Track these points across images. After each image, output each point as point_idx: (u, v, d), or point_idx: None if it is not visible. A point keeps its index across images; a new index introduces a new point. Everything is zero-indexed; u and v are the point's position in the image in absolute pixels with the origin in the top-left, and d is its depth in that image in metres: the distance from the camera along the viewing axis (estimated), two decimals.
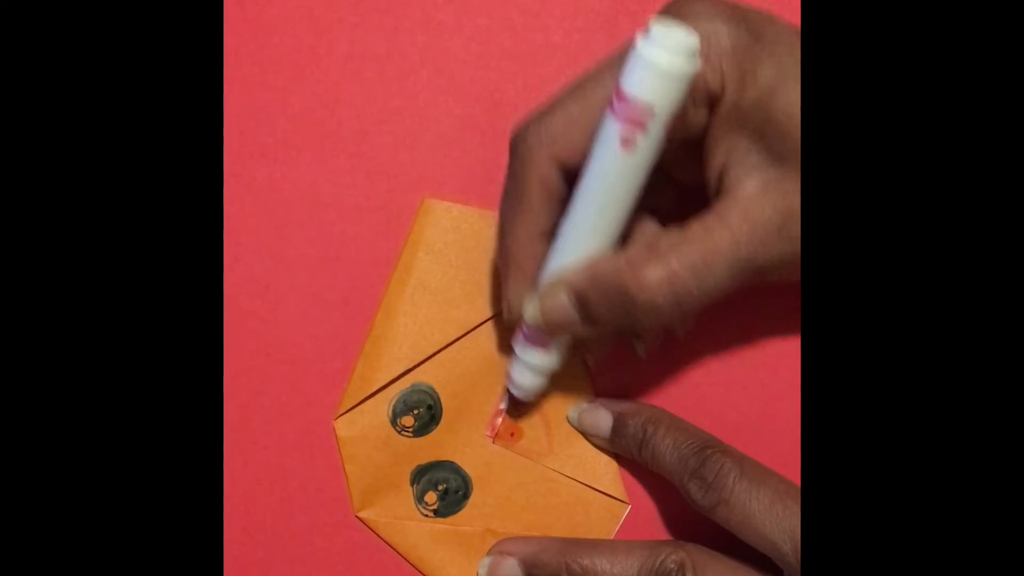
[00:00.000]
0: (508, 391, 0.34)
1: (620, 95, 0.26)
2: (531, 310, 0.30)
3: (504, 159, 0.35)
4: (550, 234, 0.30)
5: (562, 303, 0.30)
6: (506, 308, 0.32)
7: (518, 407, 0.35)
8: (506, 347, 0.35)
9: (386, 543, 0.35)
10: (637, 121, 0.26)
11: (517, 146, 0.29)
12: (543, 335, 0.31)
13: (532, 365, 0.32)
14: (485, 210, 0.35)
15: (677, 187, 0.32)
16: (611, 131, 0.27)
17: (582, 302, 0.29)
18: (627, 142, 0.26)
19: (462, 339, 0.35)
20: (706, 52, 0.27)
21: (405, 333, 0.35)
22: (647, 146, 0.27)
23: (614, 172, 0.27)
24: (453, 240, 0.35)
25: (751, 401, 0.35)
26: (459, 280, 0.35)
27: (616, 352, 0.35)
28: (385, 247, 0.35)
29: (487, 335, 0.35)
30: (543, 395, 0.35)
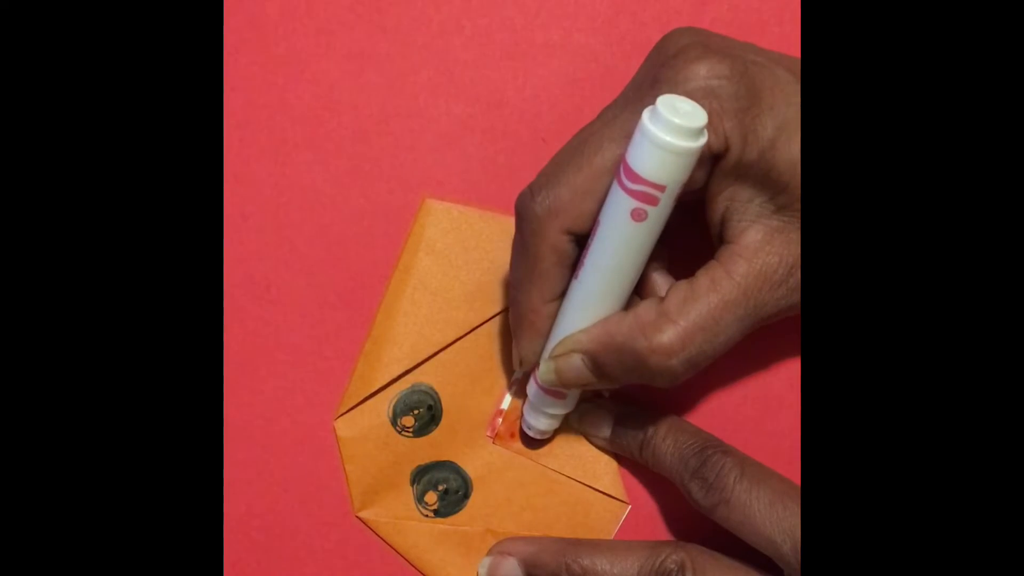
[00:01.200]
0: (522, 431, 0.35)
1: (630, 173, 0.26)
2: (547, 373, 0.31)
3: (504, 159, 0.35)
4: (562, 295, 0.31)
5: (576, 365, 0.30)
6: (517, 363, 0.33)
7: (531, 442, 0.35)
8: (505, 347, 0.35)
9: (386, 543, 0.35)
10: (648, 197, 0.27)
11: (525, 216, 0.30)
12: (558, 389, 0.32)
13: (548, 412, 0.33)
14: (485, 211, 0.35)
15: (676, 210, 0.32)
16: (622, 205, 0.27)
17: (596, 364, 0.30)
18: (639, 215, 0.27)
19: (462, 339, 0.35)
20: (708, 115, 0.27)
21: (405, 333, 0.35)
22: (657, 216, 0.27)
23: (625, 241, 0.28)
24: (453, 240, 0.35)
25: (751, 401, 0.35)
26: (459, 280, 0.35)
27: None
28: (385, 247, 0.35)
29: (487, 335, 0.35)
30: None
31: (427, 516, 0.35)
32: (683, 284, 0.29)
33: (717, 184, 0.29)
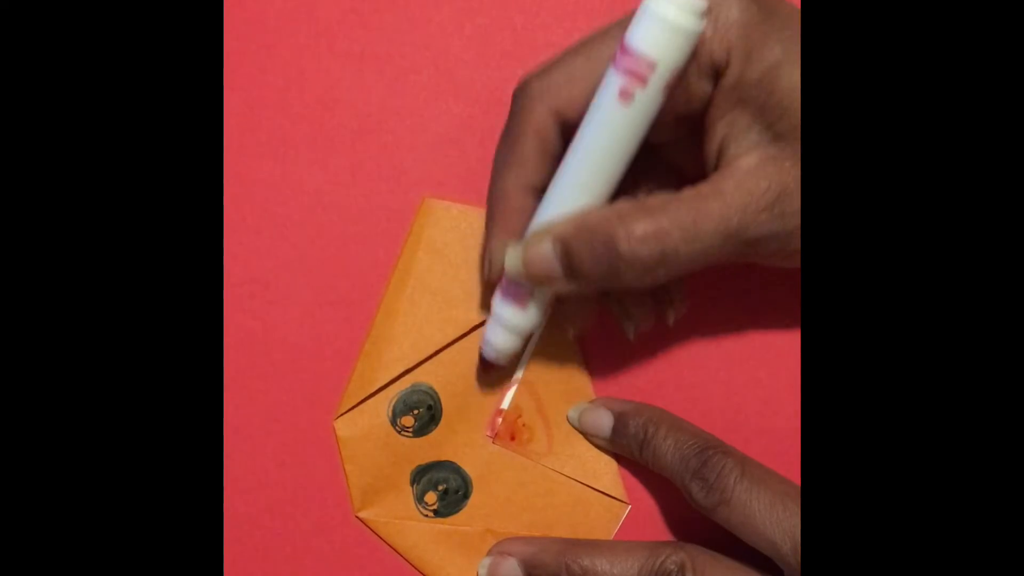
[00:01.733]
0: (481, 357, 0.34)
1: (623, 48, 0.26)
2: (513, 259, 0.30)
3: None
4: (540, 189, 0.30)
5: (546, 252, 0.29)
6: (487, 262, 0.31)
7: (488, 371, 0.34)
8: None
9: (386, 543, 0.35)
10: (637, 74, 0.26)
11: (517, 96, 0.29)
12: (522, 289, 0.31)
13: (508, 323, 0.31)
14: (485, 210, 0.35)
15: (678, 176, 0.32)
16: (611, 84, 0.27)
17: (566, 252, 0.29)
18: (625, 94, 0.26)
19: (462, 339, 0.35)
20: (714, 21, 0.27)
21: (405, 333, 0.35)
22: (645, 100, 0.27)
23: (610, 125, 0.27)
24: (453, 240, 0.35)
25: (751, 401, 0.35)
26: (459, 280, 0.35)
27: (616, 350, 0.35)
28: (385, 247, 0.35)
29: None
30: (543, 395, 0.35)
31: (427, 516, 0.35)
32: (667, 192, 0.29)
33: (717, 108, 0.29)
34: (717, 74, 0.28)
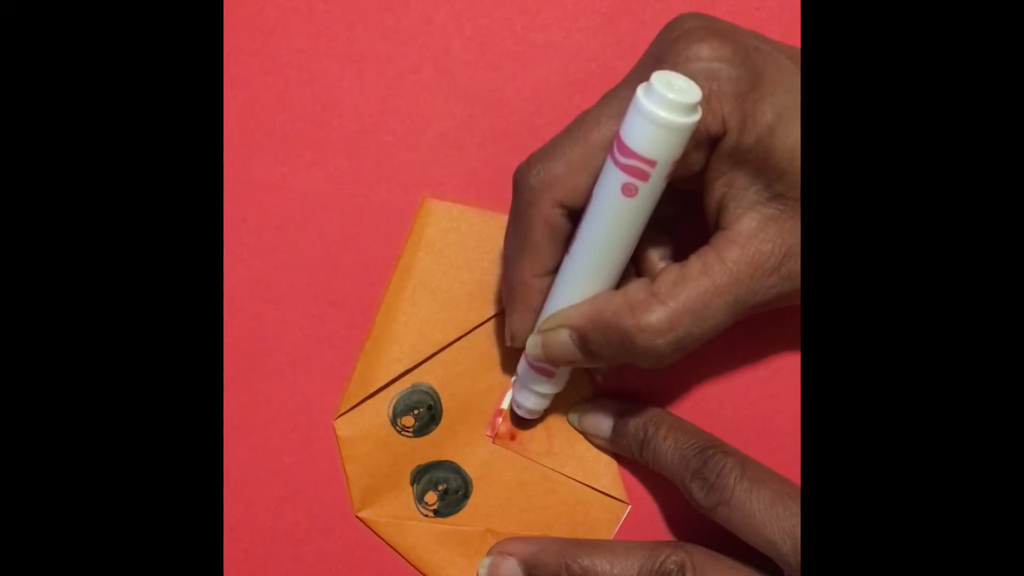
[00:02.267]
0: (512, 410, 0.35)
1: (622, 147, 0.26)
2: (534, 347, 0.31)
3: (504, 159, 0.35)
4: (553, 270, 0.31)
5: (563, 340, 0.30)
6: (508, 338, 0.32)
7: (521, 422, 0.35)
8: (505, 347, 0.35)
9: (386, 543, 0.35)
10: (639, 172, 0.27)
11: (520, 188, 0.30)
12: (547, 366, 0.32)
13: (536, 391, 0.33)
14: (485, 210, 0.35)
15: (677, 195, 0.32)
16: (613, 179, 0.27)
17: (583, 341, 0.30)
18: (629, 190, 0.27)
19: (462, 339, 0.35)
20: (707, 97, 0.27)
21: (405, 333, 0.35)
22: (648, 192, 0.27)
23: (616, 217, 0.28)
24: (453, 240, 0.35)
25: (751, 401, 0.35)
26: (459, 280, 0.35)
27: None
28: (385, 247, 0.35)
29: (487, 335, 0.35)
30: None
31: (427, 516, 0.35)
32: (675, 267, 0.29)
33: (715, 169, 0.29)
34: (713, 143, 0.28)
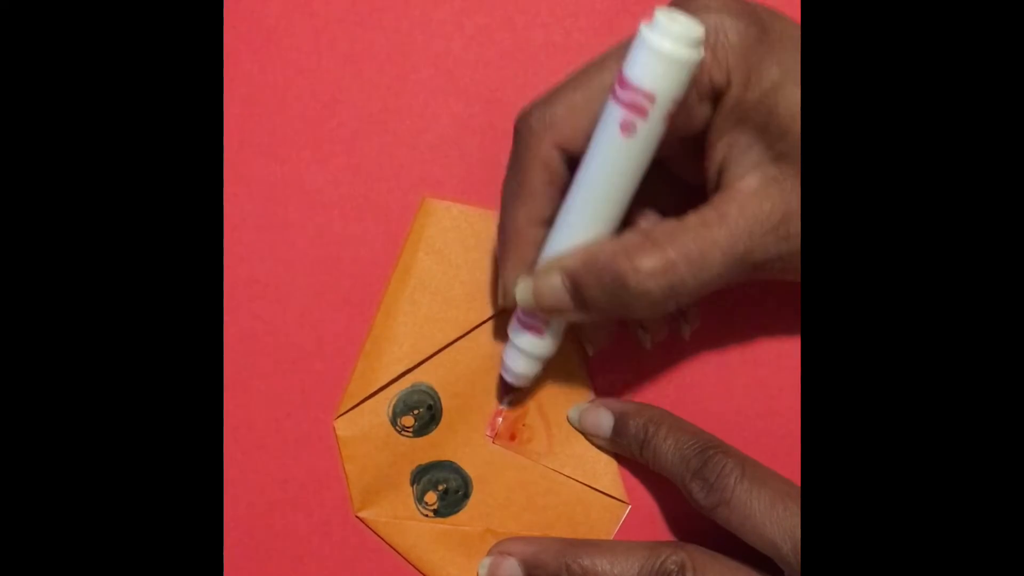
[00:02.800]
0: (502, 377, 0.34)
1: (622, 81, 0.26)
2: (524, 292, 0.30)
3: (504, 159, 0.35)
4: (550, 220, 0.30)
5: (555, 285, 0.29)
6: (502, 292, 0.32)
7: (510, 393, 0.35)
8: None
9: (386, 543, 0.35)
10: (638, 107, 0.26)
11: (520, 130, 0.29)
12: (537, 319, 0.31)
13: (525, 350, 0.32)
14: (485, 210, 0.35)
15: (680, 186, 0.32)
16: (612, 116, 0.27)
17: (575, 285, 0.29)
18: (627, 127, 0.26)
19: (462, 339, 0.35)
20: (712, 46, 0.27)
21: (405, 333, 0.35)
22: (647, 132, 0.27)
23: (613, 157, 0.27)
24: (453, 240, 0.35)
25: (751, 401, 0.35)
26: (459, 280, 0.35)
27: (616, 350, 0.35)
28: (385, 247, 0.35)
29: (487, 335, 0.35)
30: (543, 395, 0.35)
31: (427, 516, 0.35)
32: (672, 219, 0.29)
33: (717, 129, 0.29)
34: (717, 96, 0.28)
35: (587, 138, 0.28)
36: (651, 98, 0.26)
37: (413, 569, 0.35)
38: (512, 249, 0.31)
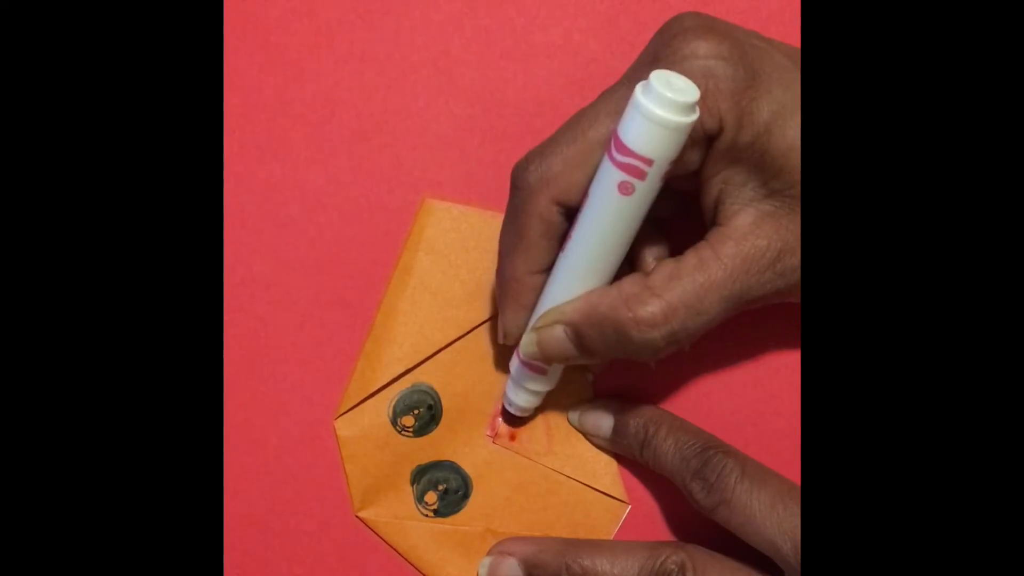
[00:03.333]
0: (504, 408, 0.35)
1: (620, 146, 0.27)
2: (528, 344, 0.31)
3: (504, 159, 0.35)
4: (547, 268, 0.31)
5: (558, 337, 0.30)
6: (501, 335, 0.32)
7: (514, 420, 0.35)
8: (505, 347, 0.35)
9: (386, 543, 0.35)
10: (636, 170, 0.27)
11: (517, 183, 0.30)
12: (540, 363, 0.32)
13: (529, 388, 0.33)
14: (485, 210, 0.35)
15: (672, 193, 0.32)
16: (610, 177, 0.27)
17: (578, 336, 0.30)
18: (625, 188, 0.27)
19: (462, 339, 0.35)
20: (704, 94, 0.27)
21: (405, 333, 0.35)
22: (645, 191, 0.27)
23: (612, 215, 0.28)
24: (453, 240, 0.35)
25: (751, 401, 0.35)
26: (459, 280, 0.35)
27: None
28: (385, 247, 0.35)
29: (487, 335, 0.35)
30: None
31: (427, 516, 0.35)
32: (670, 261, 0.29)
33: (711, 167, 0.29)
34: (709, 141, 0.28)
35: (583, 192, 0.29)
36: (649, 162, 0.26)
37: (413, 569, 0.35)
38: (512, 296, 0.31)
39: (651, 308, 0.28)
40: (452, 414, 0.35)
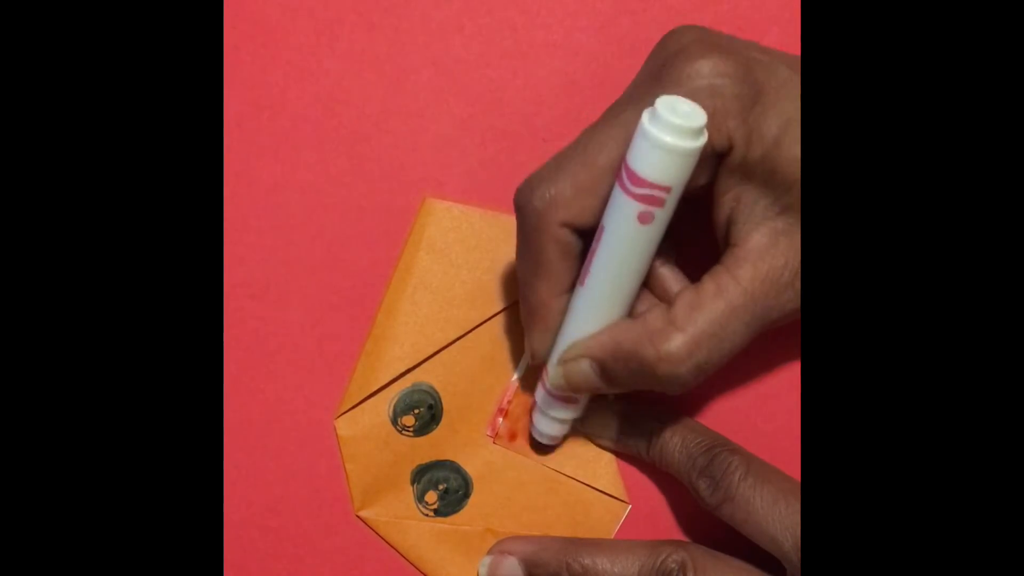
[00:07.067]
0: (532, 437, 0.35)
1: (634, 177, 0.26)
2: (556, 377, 0.31)
3: (504, 159, 0.35)
4: (570, 288, 0.30)
5: (585, 371, 0.30)
6: (529, 356, 0.32)
7: (542, 448, 0.35)
8: (506, 346, 0.35)
9: (386, 543, 0.35)
10: (655, 200, 0.27)
11: (525, 209, 0.29)
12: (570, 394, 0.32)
13: (558, 418, 0.33)
14: (486, 210, 0.35)
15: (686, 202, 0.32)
16: (628, 209, 0.27)
17: (604, 370, 0.30)
18: (645, 218, 0.27)
19: (463, 338, 0.35)
20: (711, 113, 0.27)
21: (406, 332, 0.35)
22: (664, 216, 0.27)
23: (633, 244, 0.28)
24: (454, 240, 0.35)
25: (752, 401, 0.35)
26: (460, 279, 0.35)
27: None
28: (385, 247, 0.35)
29: (488, 335, 0.35)
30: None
31: (427, 516, 0.35)
32: (689, 290, 0.29)
33: (722, 184, 0.29)
34: (719, 158, 0.28)
35: (595, 215, 0.28)
36: (667, 190, 0.26)
37: (413, 569, 0.35)
38: (538, 320, 0.31)
39: (675, 343, 0.28)
40: (453, 414, 0.35)
